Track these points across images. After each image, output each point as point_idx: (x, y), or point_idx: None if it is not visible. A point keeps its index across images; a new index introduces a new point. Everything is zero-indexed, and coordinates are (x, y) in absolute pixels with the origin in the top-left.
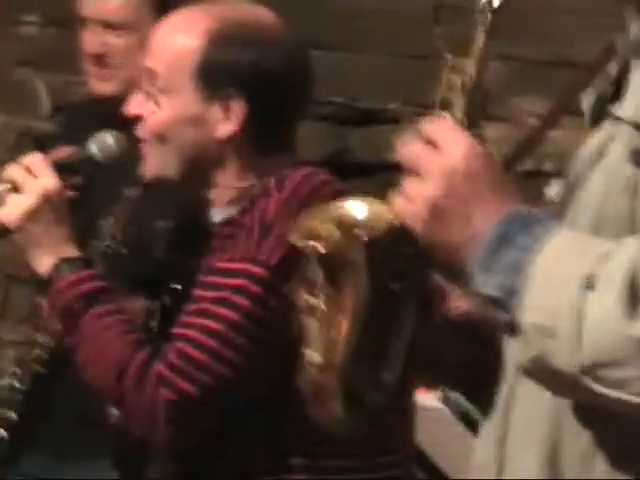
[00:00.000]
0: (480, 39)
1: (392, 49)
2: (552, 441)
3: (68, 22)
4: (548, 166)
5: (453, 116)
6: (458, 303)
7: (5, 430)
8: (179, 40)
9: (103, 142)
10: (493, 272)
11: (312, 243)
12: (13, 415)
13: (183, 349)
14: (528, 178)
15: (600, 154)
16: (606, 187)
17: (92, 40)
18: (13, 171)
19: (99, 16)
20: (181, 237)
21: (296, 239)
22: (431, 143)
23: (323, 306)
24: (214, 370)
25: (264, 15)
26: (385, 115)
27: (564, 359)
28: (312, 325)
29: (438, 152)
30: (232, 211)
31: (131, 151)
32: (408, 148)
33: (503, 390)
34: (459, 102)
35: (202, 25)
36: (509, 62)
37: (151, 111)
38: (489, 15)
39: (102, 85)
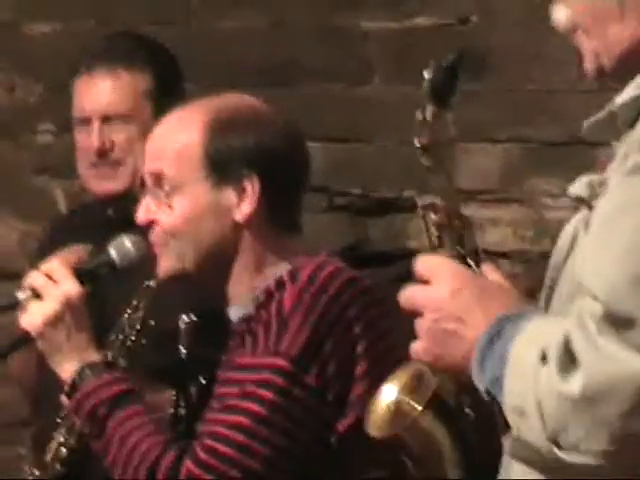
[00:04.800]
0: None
1: (404, 137)
2: None
3: None
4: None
5: (443, 250)
6: None
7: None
8: (181, 137)
9: (122, 246)
10: (487, 368)
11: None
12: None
13: (212, 445)
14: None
15: (575, 236)
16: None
17: (92, 138)
18: (34, 278)
19: (97, 112)
20: (204, 331)
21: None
22: (422, 281)
23: None
24: (243, 464)
25: (253, 101)
26: (401, 204)
27: (534, 434)
28: None
29: (427, 286)
30: (249, 308)
31: (149, 251)
32: (404, 294)
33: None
34: (446, 237)
35: (199, 118)
36: (524, 144)
37: (164, 213)
38: (424, 155)
39: (106, 184)
